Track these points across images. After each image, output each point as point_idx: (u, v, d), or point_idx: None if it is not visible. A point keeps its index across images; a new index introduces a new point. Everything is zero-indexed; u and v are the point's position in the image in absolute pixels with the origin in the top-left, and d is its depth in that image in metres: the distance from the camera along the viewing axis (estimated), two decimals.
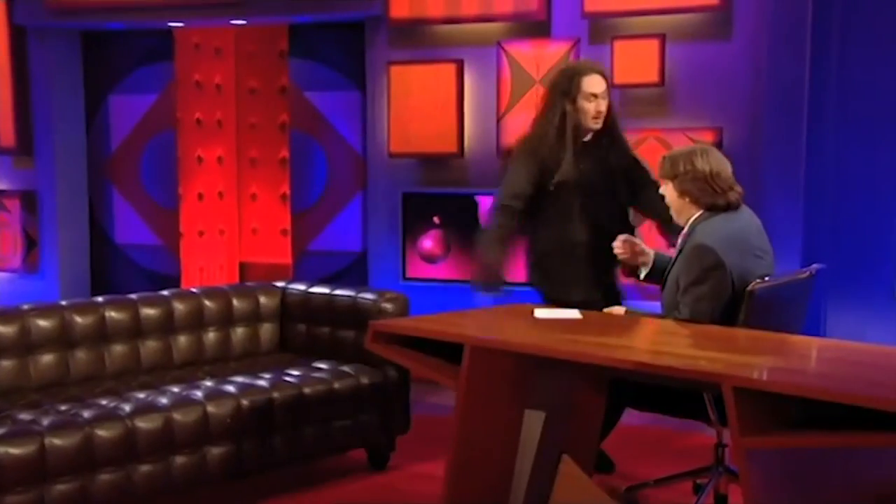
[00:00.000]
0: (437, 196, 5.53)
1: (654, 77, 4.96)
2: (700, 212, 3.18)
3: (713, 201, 3.14)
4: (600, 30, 5.16)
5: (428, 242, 5.45)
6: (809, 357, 2.72)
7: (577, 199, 3.60)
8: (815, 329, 4.83)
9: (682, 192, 3.17)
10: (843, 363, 2.66)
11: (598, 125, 3.61)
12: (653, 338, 2.94)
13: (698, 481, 3.54)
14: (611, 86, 3.69)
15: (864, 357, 2.73)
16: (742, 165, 4.92)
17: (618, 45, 5.02)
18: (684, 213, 3.20)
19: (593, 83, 3.57)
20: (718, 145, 4.91)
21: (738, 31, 4.89)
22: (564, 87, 3.60)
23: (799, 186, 4.79)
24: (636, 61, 4.98)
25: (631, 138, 5.04)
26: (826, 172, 4.85)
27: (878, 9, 4.73)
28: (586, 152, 3.61)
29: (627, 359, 2.71)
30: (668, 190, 3.22)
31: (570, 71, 3.68)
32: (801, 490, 2.52)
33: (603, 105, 3.58)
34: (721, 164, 3.20)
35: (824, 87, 4.80)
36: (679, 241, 3.23)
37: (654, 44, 4.94)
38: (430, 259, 5.52)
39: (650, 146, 5.05)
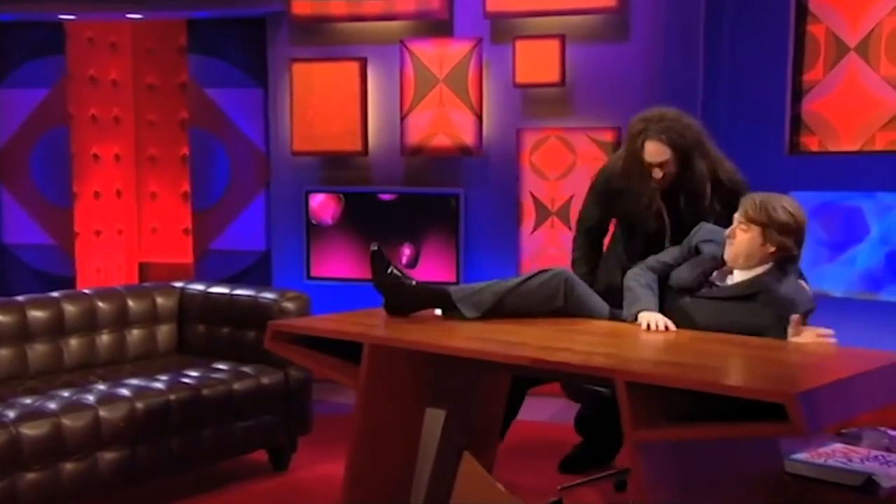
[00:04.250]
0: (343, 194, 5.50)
1: (554, 77, 5.03)
2: (771, 264, 2.95)
3: (795, 255, 2.94)
4: (502, 30, 5.21)
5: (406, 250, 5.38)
6: (699, 352, 2.80)
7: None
8: None
9: (771, 242, 2.92)
10: (730, 357, 2.74)
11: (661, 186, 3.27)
12: (552, 334, 2.98)
13: (622, 478, 3.60)
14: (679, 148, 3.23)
15: (750, 351, 2.82)
16: None
17: (519, 45, 5.08)
18: (748, 256, 2.95)
19: (649, 151, 3.25)
20: (617, 145, 5.02)
21: (635, 33, 5.01)
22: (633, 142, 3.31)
23: None
24: (537, 61, 5.04)
25: (532, 138, 5.15)
26: None
27: (768, 12, 4.90)
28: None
29: (524, 355, 2.74)
30: (749, 234, 2.93)
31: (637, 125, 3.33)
32: (690, 480, 2.59)
33: (660, 173, 3.24)
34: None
35: (716, 87, 4.95)
36: (733, 286, 2.98)
37: (554, 44, 5.01)
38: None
39: (551, 145, 5.14)
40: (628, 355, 2.79)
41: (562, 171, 5.13)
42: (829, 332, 2.79)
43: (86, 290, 4.05)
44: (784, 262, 2.95)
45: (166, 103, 6.25)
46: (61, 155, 5.95)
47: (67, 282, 5.82)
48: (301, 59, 5.52)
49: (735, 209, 3.05)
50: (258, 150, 5.80)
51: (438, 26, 5.32)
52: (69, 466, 3.19)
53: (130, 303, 4.04)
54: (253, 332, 3.91)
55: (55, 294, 3.91)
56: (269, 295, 3.99)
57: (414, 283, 3.14)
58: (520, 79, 5.11)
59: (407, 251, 5.41)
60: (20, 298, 3.80)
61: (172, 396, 3.50)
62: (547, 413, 4.76)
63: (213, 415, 3.60)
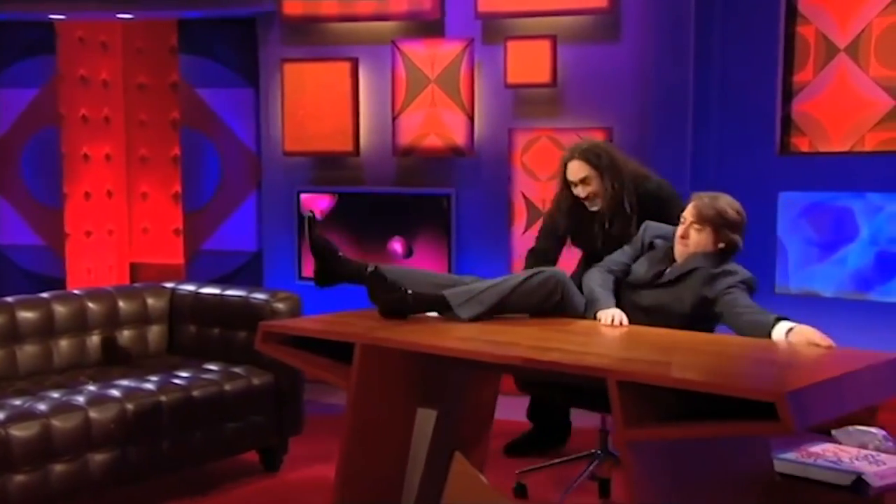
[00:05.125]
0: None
1: (545, 77, 5.04)
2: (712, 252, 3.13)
3: (741, 248, 3.15)
4: (493, 30, 5.21)
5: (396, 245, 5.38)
6: (690, 351, 2.80)
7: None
8: None
9: (723, 239, 3.11)
10: (721, 357, 2.75)
11: (593, 207, 3.55)
12: (542, 334, 2.98)
13: (594, 473, 3.66)
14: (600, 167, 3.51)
15: (741, 350, 2.83)
16: None
17: (510, 45, 5.08)
18: (700, 251, 3.13)
19: (571, 170, 3.55)
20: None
21: (626, 34, 5.02)
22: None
23: (685, 185, 4.92)
24: (528, 62, 5.05)
25: (524, 138, 5.16)
26: (709, 171, 5.01)
27: (758, 13, 4.92)
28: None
29: (515, 355, 2.74)
30: (702, 234, 3.10)
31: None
32: (681, 479, 2.59)
33: (583, 191, 3.53)
34: None
35: (707, 88, 4.97)
36: (676, 271, 3.15)
37: (545, 45, 5.02)
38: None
39: (542, 146, 5.14)
40: (620, 355, 2.79)
41: (553, 171, 5.05)
42: (827, 341, 2.80)
43: (76, 291, 4.04)
44: (728, 254, 3.13)
45: (157, 103, 6.24)
46: (52, 155, 5.93)
47: (58, 282, 5.80)
48: (292, 59, 5.52)
49: (664, 216, 3.36)
50: (249, 151, 5.79)
51: (430, 27, 5.32)
52: (59, 468, 3.18)
53: (121, 303, 4.03)
54: (244, 332, 3.90)
55: (45, 295, 3.89)
56: (260, 295, 3.99)
57: (409, 292, 3.14)
58: (511, 79, 5.11)
59: (399, 251, 5.40)
60: (9, 299, 3.78)
61: (163, 397, 3.49)
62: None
63: (203, 416, 3.59)
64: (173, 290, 4.22)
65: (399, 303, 3.11)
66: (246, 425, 3.75)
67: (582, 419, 4.08)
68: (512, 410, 4.44)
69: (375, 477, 3.08)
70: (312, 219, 3.23)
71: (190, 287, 4.22)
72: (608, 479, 3.68)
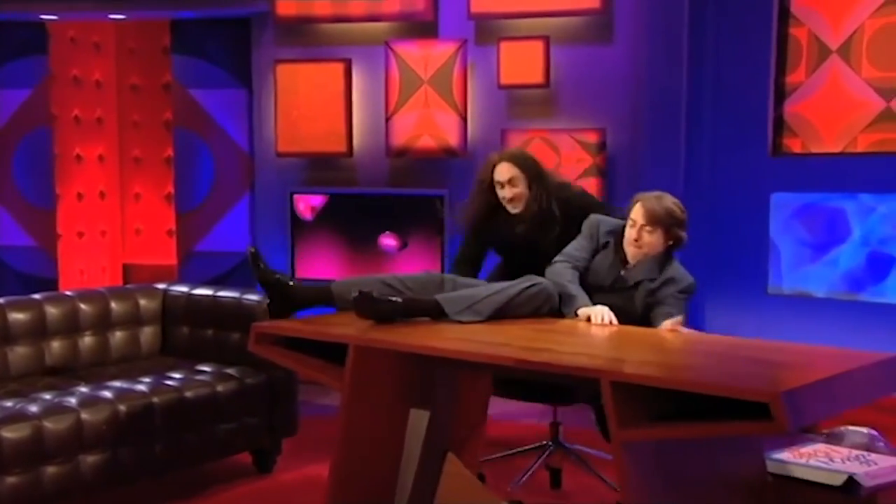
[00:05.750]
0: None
1: (539, 78, 5.04)
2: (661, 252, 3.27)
3: (685, 242, 3.30)
4: (487, 31, 5.22)
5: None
6: (683, 352, 2.81)
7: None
8: (694, 323, 4.99)
9: (672, 237, 3.24)
10: (714, 357, 2.76)
11: (514, 209, 3.61)
12: (534, 335, 2.98)
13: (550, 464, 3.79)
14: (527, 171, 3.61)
15: (734, 350, 2.84)
16: (624, 166, 5.07)
17: (504, 46, 5.09)
18: (653, 253, 3.25)
19: (499, 171, 3.61)
20: (602, 146, 5.04)
21: (619, 35, 5.03)
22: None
23: (678, 185, 4.93)
24: (522, 63, 5.05)
25: (517, 139, 5.16)
26: (702, 172, 5.02)
27: (751, 15, 4.93)
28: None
29: (508, 356, 2.74)
30: (654, 235, 3.21)
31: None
32: (674, 479, 2.60)
33: (510, 192, 3.59)
34: None
35: (700, 89, 4.98)
36: (636, 272, 3.26)
37: (538, 45, 5.03)
38: None
39: (536, 146, 5.14)
40: (613, 355, 2.80)
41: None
42: (679, 321, 3.11)
43: (68, 292, 4.03)
44: (673, 249, 3.29)
45: (150, 104, 6.23)
46: (44, 156, 5.92)
47: (50, 283, 5.79)
48: (286, 59, 5.51)
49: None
50: (242, 152, 5.78)
51: (423, 27, 5.33)
52: (51, 469, 3.17)
53: (113, 305, 4.02)
54: (237, 333, 3.90)
55: (37, 296, 3.88)
56: (253, 296, 3.98)
57: (399, 300, 3.15)
58: (504, 80, 5.12)
59: (392, 252, 5.40)
60: (1, 300, 3.77)
61: (156, 399, 3.48)
62: (534, 413, 4.77)
63: (196, 417, 3.58)
64: (166, 291, 4.21)
65: (391, 313, 3.12)
66: (239, 426, 3.74)
67: (536, 412, 4.17)
68: (504, 410, 4.44)
69: (369, 477, 3.08)
70: (255, 254, 3.26)
71: (183, 288, 4.21)
72: (559, 469, 3.81)
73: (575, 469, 3.86)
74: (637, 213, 3.22)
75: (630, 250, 3.25)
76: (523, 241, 3.60)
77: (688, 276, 3.25)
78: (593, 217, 3.44)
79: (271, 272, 3.25)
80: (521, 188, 3.59)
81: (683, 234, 3.26)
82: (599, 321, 3.12)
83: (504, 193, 3.60)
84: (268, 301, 3.30)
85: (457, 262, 3.79)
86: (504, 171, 3.59)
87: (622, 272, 3.28)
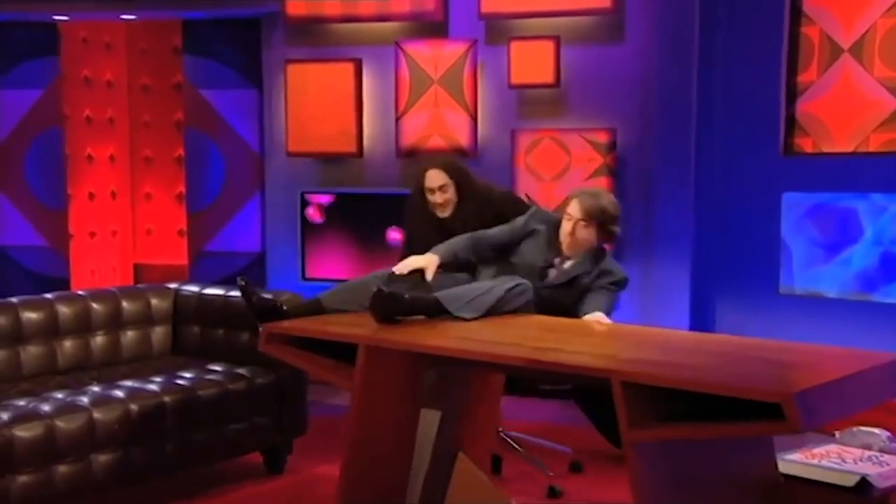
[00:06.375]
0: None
1: (549, 78, 5.04)
2: (595, 246, 3.50)
3: (617, 237, 3.55)
4: (497, 31, 5.21)
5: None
6: (694, 352, 2.80)
7: None
8: (704, 323, 4.98)
9: (605, 231, 3.47)
10: (725, 357, 2.75)
11: (443, 214, 3.91)
12: (542, 335, 2.98)
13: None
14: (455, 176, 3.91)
15: (746, 350, 2.83)
16: (635, 166, 5.06)
17: (514, 46, 5.08)
18: (587, 247, 3.47)
19: (430, 177, 3.90)
20: (612, 145, 5.03)
21: (630, 35, 5.01)
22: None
23: (689, 185, 4.93)
24: (532, 62, 5.04)
25: (527, 139, 5.16)
26: (713, 172, 5.01)
27: (762, 14, 4.91)
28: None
29: (519, 356, 2.74)
30: (589, 230, 3.43)
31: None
32: (685, 480, 2.59)
33: (440, 197, 3.89)
34: None
35: (711, 88, 4.96)
36: (573, 267, 3.46)
37: (549, 45, 5.02)
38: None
39: (546, 146, 5.14)
40: (623, 355, 2.79)
41: (556, 172, 5.13)
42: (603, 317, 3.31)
43: (80, 292, 4.04)
44: (606, 243, 3.55)
45: (161, 104, 6.24)
46: (56, 156, 5.94)
47: (62, 283, 5.81)
48: (296, 59, 5.52)
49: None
50: (253, 152, 5.79)
51: (433, 27, 5.32)
52: (63, 468, 3.18)
53: (125, 304, 4.04)
54: (247, 333, 3.91)
55: (49, 295, 3.90)
56: (265, 296, 3.97)
57: (406, 296, 3.16)
58: (514, 80, 5.11)
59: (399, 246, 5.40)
60: (14, 300, 3.79)
61: (167, 398, 3.49)
62: (550, 414, 4.77)
63: (207, 416, 3.60)
64: (177, 290, 4.22)
65: (406, 311, 3.15)
66: (250, 426, 3.75)
67: None
68: (515, 410, 4.45)
69: (379, 477, 3.08)
70: (246, 287, 3.36)
71: (194, 288, 4.22)
72: (500, 456, 3.89)
73: (514, 457, 3.93)
74: (573, 208, 3.45)
75: (566, 242, 3.47)
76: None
77: (621, 270, 3.49)
78: (534, 207, 3.68)
79: (264, 302, 3.38)
80: (449, 194, 3.89)
81: (616, 230, 3.50)
82: (399, 271, 3.32)
83: (434, 199, 3.90)
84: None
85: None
86: (434, 178, 3.89)
87: (556, 259, 3.48)
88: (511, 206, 3.90)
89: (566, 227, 3.47)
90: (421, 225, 3.99)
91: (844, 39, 4.76)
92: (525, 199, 4.24)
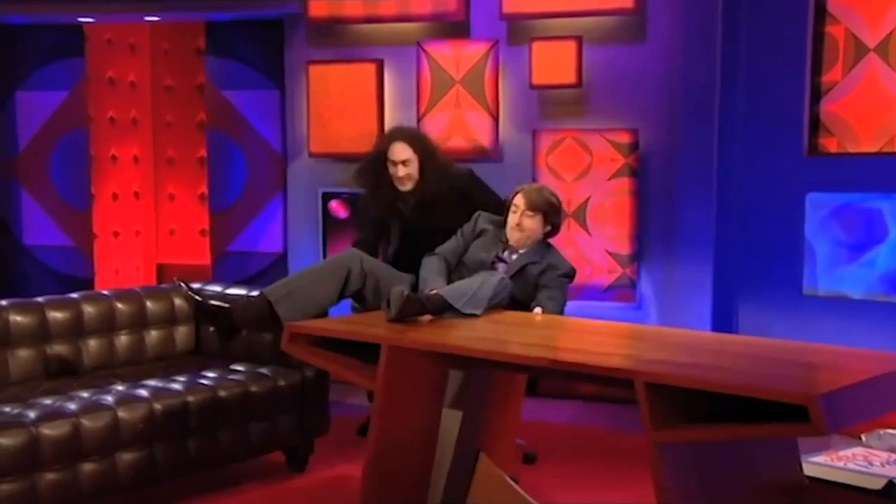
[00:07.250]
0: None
1: (571, 78, 5.02)
2: (541, 239, 3.69)
3: (559, 229, 3.76)
4: (519, 31, 5.21)
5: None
6: (717, 353, 2.79)
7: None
8: (727, 324, 4.96)
9: (549, 223, 3.68)
10: (749, 358, 2.73)
11: (404, 187, 3.93)
12: (565, 336, 2.98)
13: None
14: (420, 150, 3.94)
15: (769, 352, 2.81)
16: (657, 166, 5.04)
17: (536, 46, 5.08)
18: (534, 238, 3.66)
19: (395, 151, 3.92)
20: (634, 146, 5.01)
21: (652, 35, 4.99)
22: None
23: (711, 186, 4.90)
24: (554, 63, 5.03)
25: (549, 139, 5.15)
26: (736, 172, 4.98)
27: (786, 13, 4.88)
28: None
29: (543, 356, 2.74)
30: (534, 220, 3.63)
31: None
32: (709, 481, 2.58)
33: (402, 171, 3.91)
34: None
35: (734, 88, 4.93)
36: (521, 257, 3.63)
37: (571, 45, 5.00)
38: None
39: (568, 146, 5.13)
40: (645, 356, 2.78)
41: (578, 172, 5.12)
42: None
43: (104, 292, 4.07)
44: (550, 235, 3.72)
45: (184, 105, 6.28)
46: (80, 157, 5.99)
47: (86, 283, 5.86)
48: (318, 60, 5.54)
49: (474, 195, 3.93)
50: (275, 152, 5.82)
51: (455, 28, 5.32)
52: (88, 467, 3.21)
53: (148, 304, 4.06)
54: (270, 333, 3.92)
55: (74, 295, 3.93)
56: None
57: (421, 297, 3.20)
58: (536, 80, 5.10)
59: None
60: (40, 299, 3.82)
61: (190, 398, 3.51)
62: (566, 415, 4.76)
63: (230, 416, 3.61)
64: (200, 290, 4.24)
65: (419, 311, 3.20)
66: (272, 426, 3.77)
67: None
68: (537, 411, 4.44)
69: (402, 477, 3.08)
70: (187, 288, 3.48)
71: (216, 288, 4.24)
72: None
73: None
74: (519, 200, 3.64)
75: (513, 234, 3.65)
76: (411, 221, 3.91)
77: (567, 262, 3.68)
78: (479, 212, 3.80)
79: (209, 305, 3.51)
80: (412, 169, 3.87)
81: (559, 222, 3.72)
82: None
83: (396, 172, 3.88)
84: (212, 328, 3.60)
85: (357, 245, 4.01)
86: (399, 151, 3.88)
87: (506, 253, 3.65)
88: (466, 182, 3.96)
89: (513, 219, 3.64)
90: (380, 192, 3.97)
91: (870, 38, 4.72)
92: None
